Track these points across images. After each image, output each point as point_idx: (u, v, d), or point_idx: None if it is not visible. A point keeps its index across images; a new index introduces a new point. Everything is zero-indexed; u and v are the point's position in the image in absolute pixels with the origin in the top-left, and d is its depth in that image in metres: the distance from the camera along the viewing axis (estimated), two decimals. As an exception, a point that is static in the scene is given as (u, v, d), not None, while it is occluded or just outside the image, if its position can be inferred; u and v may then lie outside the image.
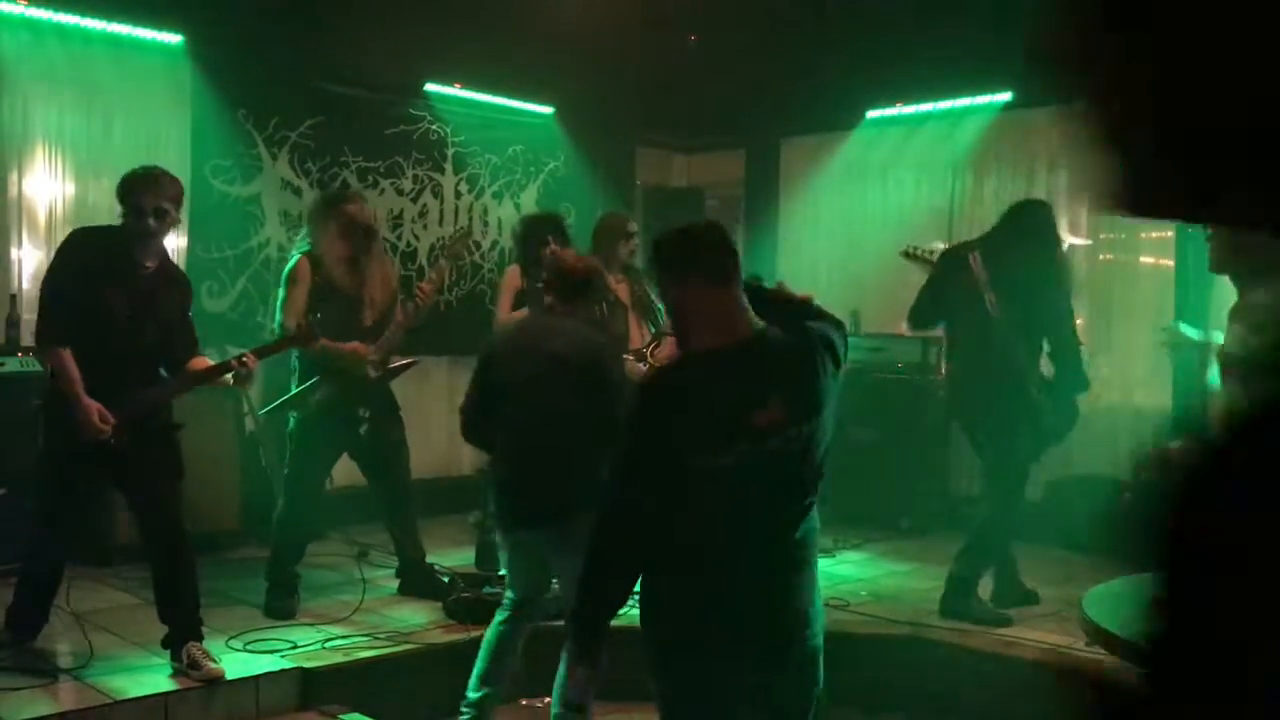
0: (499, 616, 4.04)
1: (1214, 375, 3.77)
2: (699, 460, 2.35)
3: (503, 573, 4.23)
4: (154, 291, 4.10)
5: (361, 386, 5.02)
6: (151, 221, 4.00)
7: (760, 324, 2.47)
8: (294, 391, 5.04)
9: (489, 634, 4.02)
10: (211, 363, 4.28)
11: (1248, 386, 3.32)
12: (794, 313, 2.68)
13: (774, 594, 2.45)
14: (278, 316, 5.04)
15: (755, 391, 2.38)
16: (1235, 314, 3.49)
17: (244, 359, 4.18)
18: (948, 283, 5.24)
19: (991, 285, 5.04)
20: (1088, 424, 7.02)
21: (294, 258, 5.11)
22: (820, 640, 2.52)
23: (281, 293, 5.06)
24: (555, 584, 4.07)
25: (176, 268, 4.37)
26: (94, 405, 3.91)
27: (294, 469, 5.10)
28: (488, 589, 4.90)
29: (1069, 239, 7.34)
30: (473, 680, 3.98)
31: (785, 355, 2.46)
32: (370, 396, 5.09)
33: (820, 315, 2.70)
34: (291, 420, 5.13)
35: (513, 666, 4.04)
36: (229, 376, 4.19)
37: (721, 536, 2.41)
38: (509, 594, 4.03)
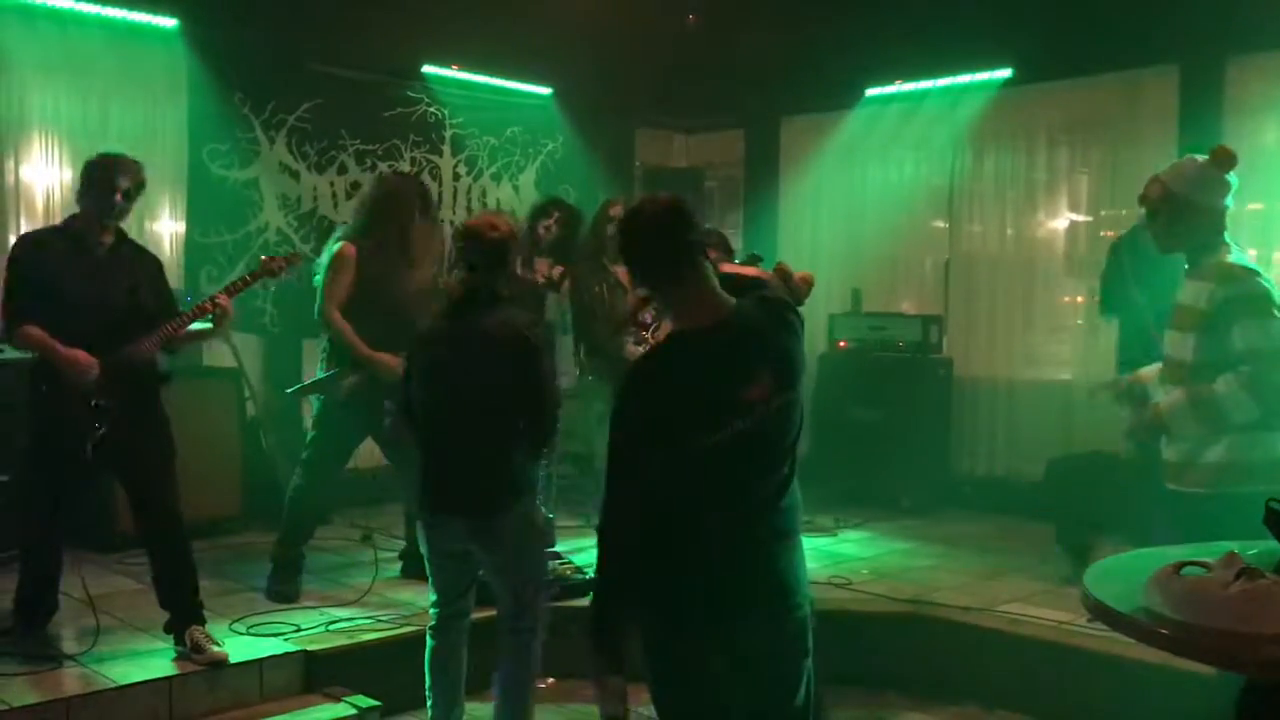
0: (431, 633, 3.82)
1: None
2: (694, 440, 2.35)
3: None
4: (115, 268, 4.14)
5: (390, 380, 4.95)
6: (119, 199, 4.11)
7: (732, 300, 2.48)
8: (321, 376, 5.02)
9: (428, 655, 3.81)
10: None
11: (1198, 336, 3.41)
12: (747, 288, 2.67)
13: (761, 565, 2.46)
14: (318, 301, 4.96)
15: (743, 367, 2.39)
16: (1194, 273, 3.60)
17: (215, 298, 4.20)
18: None
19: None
20: (1089, 402, 7.04)
21: (337, 243, 5.01)
22: (808, 611, 2.53)
23: (322, 277, 4.97)
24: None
25: (137, 244, 4.40)
26: (75, 351, 3.94)
27: (315, 451, 5.06)
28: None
29: (1070, 216, 7.36)
30: (431, 712, 3.79)
31: (764, 326, 2.48)
32: (397, 390, 5.04)
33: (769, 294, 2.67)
34: (317, 403, 5.11)
35: (463, 676, 3.84)
36: (204, 327, 4.21)
37: (712, 511, 2.42)
38: (434, 607, 3.82)
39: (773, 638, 2.48)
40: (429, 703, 3.82)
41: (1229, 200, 3.59)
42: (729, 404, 2.36)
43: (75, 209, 4.67)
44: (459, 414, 3.63)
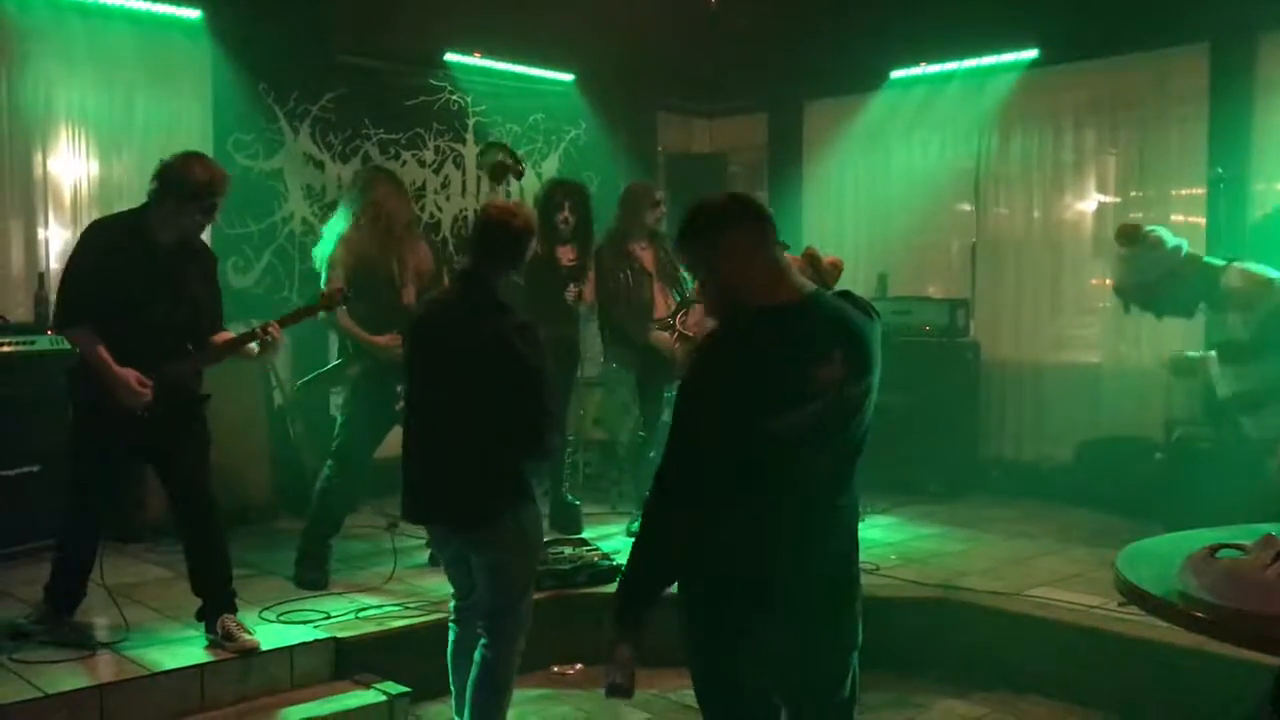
0: (452, 625, 3.76)
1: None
2: (764, 420, 2.31)
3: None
4: (178, 268, 4.10)
5: (396, 364, 4.98)
6: (212, 218, 4.15)
7: (810, 284, 2.45)
8: (327, 366, 5.06)
9: (449, 647, 3.74)
10: (235, 335, 4.29)
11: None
12: None
13: (823, 554, 2.43)
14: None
15: (818, 348, 2.36)
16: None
17: (268, 328, 4.19)
18: None
19: None
20: (1118, 385, 7.00)
21: (330, 244, 5.10)
22: (860, 605, 2.51)
23: (324, 273, 5.09)
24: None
25: (199, 242, 4.35)
26: (130, 371, 3.93)
27: (344, 440, 5.09)
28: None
29: (1098, 198, 7.29)
30: (455, 703, 3.72)
31: (843, 312, 2.46)
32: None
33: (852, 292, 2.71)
34: (345, 392, 5.15)
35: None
36: (254, 346, 4.21)
37: (776, 495, 2.38)
38: (453, 599, 3.76)
39: (825, 630, 2.46)
40: (454, 692, 3.78)
41: (1173, 243, 3.56)
42: (801, 385, 2.32)
43: (100, 203, 4.68)
44: (444, 413, 3.46)
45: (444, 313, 3.58)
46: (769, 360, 2.34)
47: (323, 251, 5.16)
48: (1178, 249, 3.54)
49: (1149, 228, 3.67)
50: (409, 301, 5.07)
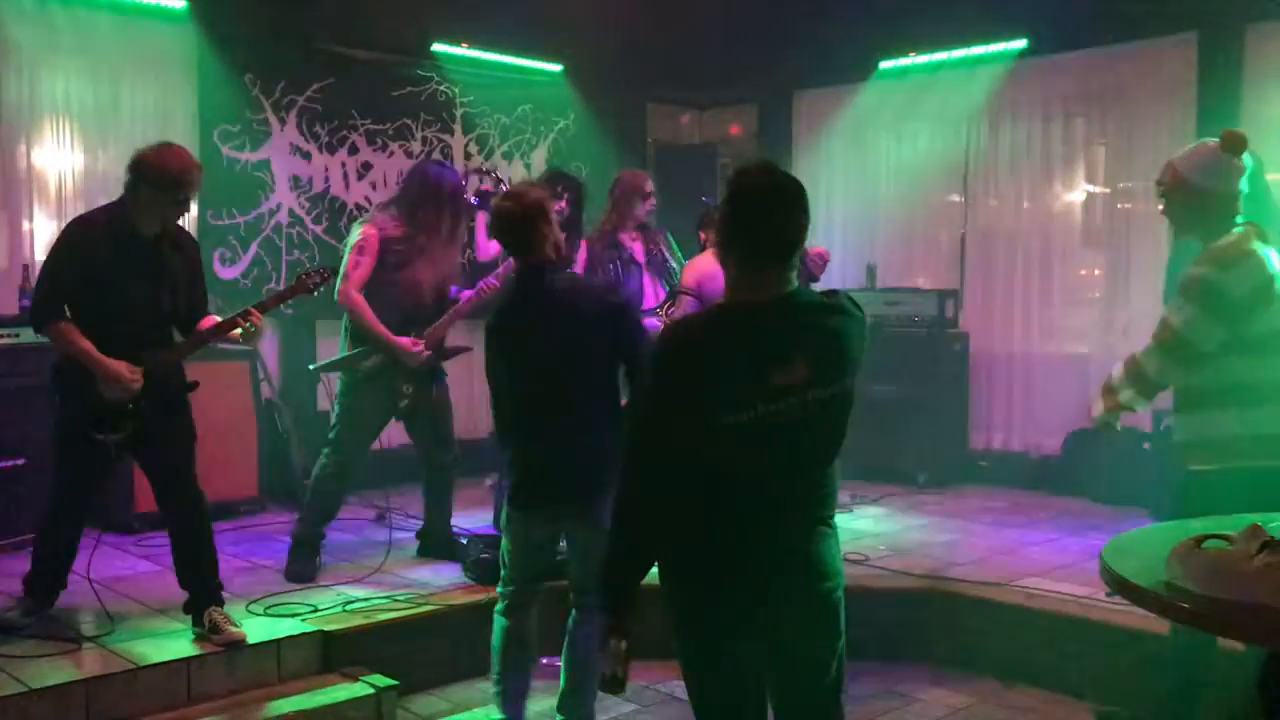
0: (503, 614, 3.77)
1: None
2: (715, 414, 2.32)
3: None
4: (162, 258, 4.08)
5: (409, 364, 4.98)
6: (187, 209, 4.12)
7: (794, 284, 2.44)
8: (345, 355, 5.02)
9: (498, 639, 3.76)
10: (220, 320, 4.25)
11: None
12: None
13: (790, 552, 2.43)
14: (338, 281, 4.89)
15: (779, 350, 2.35)
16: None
17: (249, 313, 4.16)
18: None
19: None
20: (1107, 375, 7.01)
21: (361, 226, 5.02)
22: (841, 594, 2.51)
23: (346, 256, 4.98)
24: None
25: (180, 229, 4.29)
26: (120, 363, 3.91)
27: (340, 430, 5.06)
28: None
29: (1086, 189, 7.29)
30: (498, 699, 3.78)
31: (815, 316, 2.43)
32: (416, 373, 5.05)
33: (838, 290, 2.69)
34: (340, 382, 5.11)
35: (534, 664, 3.84)
36: (237, 332, 4.18)
37: (738, 493, 2.40)
38: (508, 587, 3.76)
39: (807, 619, 2.46)
40: (499, 685, 3.77)
41: (1243, 184, 3.55)
42: (754, 384, 2.32)
43: (86, 195, 4.62)
44: (556, 395, 3.55)
45: (537, 306, 3.61)
46: (719, 357, 2.36)
47: (353, 233, 5.04)
48: (1238, 189, 3.52)
49: (1251, 151, 3.62)
50: (429, 303, 5.04)
